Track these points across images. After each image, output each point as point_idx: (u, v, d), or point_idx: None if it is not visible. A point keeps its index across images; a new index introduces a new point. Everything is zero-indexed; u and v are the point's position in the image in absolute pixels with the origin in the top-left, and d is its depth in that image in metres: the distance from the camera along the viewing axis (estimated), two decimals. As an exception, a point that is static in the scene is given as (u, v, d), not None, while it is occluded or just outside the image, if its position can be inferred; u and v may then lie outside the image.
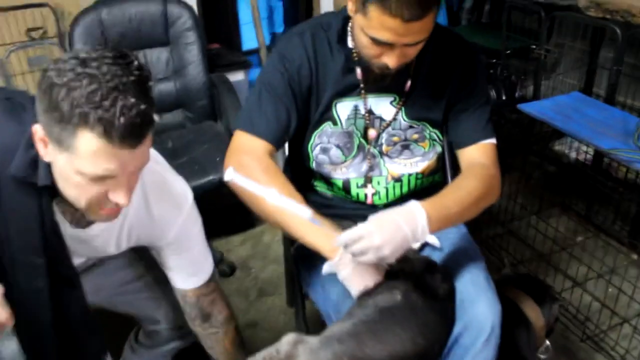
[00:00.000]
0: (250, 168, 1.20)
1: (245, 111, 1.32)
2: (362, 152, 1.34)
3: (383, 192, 1.37)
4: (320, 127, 1.32)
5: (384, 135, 1.33)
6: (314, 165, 1.37)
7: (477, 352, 1.16)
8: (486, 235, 2.36)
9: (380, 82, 1.25)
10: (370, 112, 1.31)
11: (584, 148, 2.43)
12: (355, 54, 1.26)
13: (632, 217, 2.28)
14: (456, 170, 1.46)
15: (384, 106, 1.31)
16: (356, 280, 1.16)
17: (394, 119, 1.32)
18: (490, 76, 2.77)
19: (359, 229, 1.08)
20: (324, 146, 1.34)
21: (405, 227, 1.09)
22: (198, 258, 1.24)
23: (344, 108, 1.30)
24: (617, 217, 2.36)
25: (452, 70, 1.30)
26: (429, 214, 1.11)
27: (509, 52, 2.76)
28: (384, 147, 1.34)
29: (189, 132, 2.44)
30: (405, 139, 1.33)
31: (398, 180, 1.36)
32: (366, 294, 1.16)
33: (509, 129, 2.85)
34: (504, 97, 2.70)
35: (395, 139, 1.33)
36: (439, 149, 1.37)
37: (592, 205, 2.44)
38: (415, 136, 1.33)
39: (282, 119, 1.27)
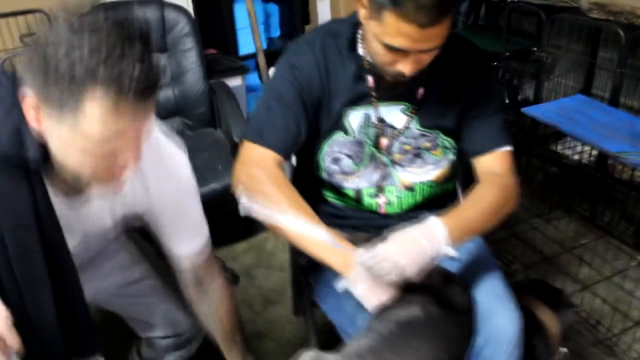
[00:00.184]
0: (260, 181, 1.18)
1: (253, 121, 1.29)
2: (373, 161, 1.32)
3: (395, 202, 1.35)
4: (331, 137, 1.30)
5: (396, 144, 1.31)
6: (325, 175, 1.35)
7: (499, 365, 1.15)
8: (490, 239, 2.34)
9: (392, 90, 1.23)
10: (381, 120, 1.29)
11: (587, 149, 2.43)
12: (366, 62, 1.23)
13: (638, 219, 2.27)
14: (467, 178, 1.45)
15: (395, 114, 1.29)
16: (372, 296, 1.13)
17: (406, 127, 1.29)
18: (492, 79, 2.76)
19: (381, 249, 1.06)
20: (335, 156, 1.31)
21: (427, 246, 1.07)
22: (194, 223, 1.20)
23: (355, 117, 1.28)
24: (621, 219, 2.35)
25: (465, 77, 1.28)
26: (449, 229, 1.10)
27: (507, 54, 2.75)
28: (396, 156, 1.32)
29: (188, 140, 2.37)
30: (418, 147, 1.31)
31: (410, 189, 1.34)
32: (384, 309, 1.14)
33: (511, 131, 2.84)
34: (507, 101, 2.69)
35: (407, 147, 1.31)
36: (451, 156, 1.35)
37: (596, 206, 2.43)
38: (428, 144, 1.31)
39: (291, 129, 1.25)
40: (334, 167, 1.32)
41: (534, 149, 2.64)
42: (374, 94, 1.26)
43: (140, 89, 0.78)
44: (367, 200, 1.35)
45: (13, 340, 0.85)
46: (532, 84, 2.79)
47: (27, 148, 0.86)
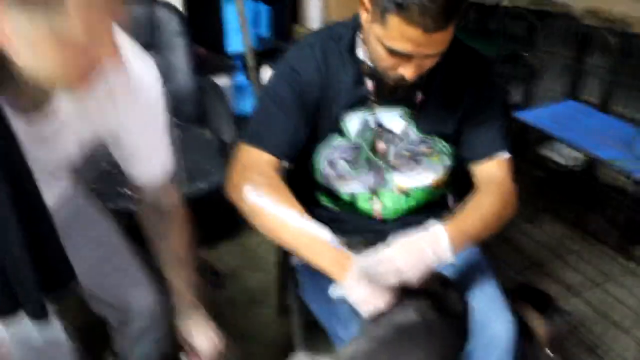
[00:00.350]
0: (258, 185, 1.16)
1: (252, 125, 1.27)
2: (370, 166, 1.31)
3: (391, 206, 1.34)
4: (329, 140, 1.28)
5: (393, 149, 1.30)
6: (320, 178, 1.33)
7: (494, 371, 1.14)
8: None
9: (391, 94, 1.22)
10: (380, 125, 1.28)
11: (574, 154, 2.44)
12: (366, 66, 1.22)
13: (623, 223, 2.29)
14: (459, 183, 1.45)
15: (394, 119, 1.28)
16: (368, 302, 1.12)
17: (405, 132, 1.28)
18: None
19: (381, 253, 1.06)
20: (331, 159, 1.30)
21: (429, 251, 1.07)
22: (159, 146, 1.16)
23: (353, 121, 1.27)
24: (607, 223, 2.36)
25: (465, 82, 1.27)
26: (451, 235, 1.09)
27: (498, 58, 2.76)
28: (393, 161, 1.31)
29: (176, 139, 2.37)
30: (415, 153, 1.30)
31: (406, 194, 1.33)
32: (380, 314, 1.13)
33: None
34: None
35: (405, 152, 1.30)
36: (449, 162, 1.34)
37: (583, 211, 2.45)
38: (426, 149, 1.30)
39: (290, 133, 1.23)
40: (330, 171, 1.31)
41: (523, 153, 2.65)
42: (373, 98, 1.25)
43: None
44: (363, 204, 1.34)
45: None
46: (520, 88, 2.80)
47: None
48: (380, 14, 1.04)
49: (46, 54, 0.79)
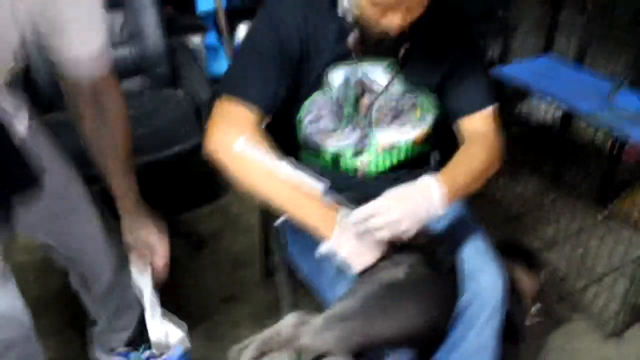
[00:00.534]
0: (236, 139, 1.13)
1: (230, 76, 1.23)
2: (353, 122, 1.29)
3: (374, 163, 1.33)
4: (311, 96, 1.25)
5: (377, 103, 1.28)
6: (302, 135, 1.31)
7: (484, 323, 1.16)
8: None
9: (375, 47, 1.19)
10: (363, 79, 1.25)
11: (551, 110, 2.45)
12: (349, 18, 1.19)
13: (601, 176, 2.32)
14: (443, 142, 1.44)
15: (378, 73, 1.25)
16: (357, 258, 1.12)
17: (389, 85, 1.26)
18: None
19: (376, 204, 1.05)
20: (314, 116, 1.27)
21: (422, 202, 1.07)
22: (94, 21, 1.11)
23: (336, 76, 1.24)
24: (585, 177, 2.39)
25: (449, 35, 1.26)
26: (444, 188, 1.09)
27: (473, 15, 2.73)
28: (376, 116, 1.29)
29: (149, 101, 2.31)
30: (398, 107, 1.28)
31: (389, 150, 1.32)
32: (369, 271, 1.12)
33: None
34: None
35: (389, 106, 1.28)
36: (432, 116, 1.33)
37: (560, 165, 2.47)
38: (409, 103, 1.28)
39: (271, 85, 1.19)
40: (313, 128, 1.29)
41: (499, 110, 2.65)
42: (356, 51, 1.22)
43: None
44: (346, 161, 1.32)
45: None
46: (495, 45, 2.79)
47: None
48: None
49: None
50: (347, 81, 1.24)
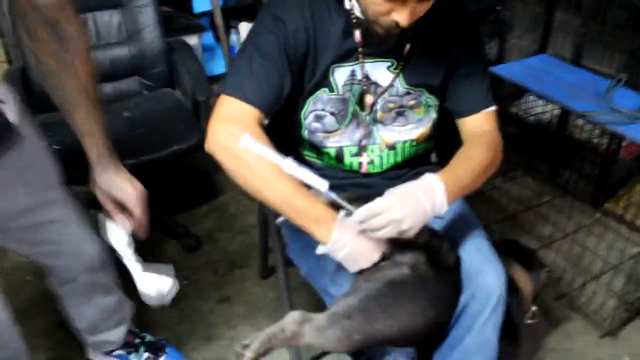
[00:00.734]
0: (238, 138, 1.13)
1: (233, 75, 1.23)
2: (356, 120, 1.29)
3: (377, 161, 1.33)
4: (316, 94, 1.26)
5: (380, 102, 1.28)
6: (306, 133, 1.31)
7: (485, 320, 1.16)
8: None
9: (380, 45, 1.19)
10: (367, 77, 1.25)
11: (547, 109, 2.46)
12: (354, 16, 1.19)
13: (595, 177, 2.34)
14: (444, 140, 1.45)
15: (381, 72, 1.26)
16: (356, 260, 1.12)
17: (391, 84, 1.27)
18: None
19: (378, 203, 1.05)
20: (318, 113, 1.27)
21: (425, 201, 1.07)
22: None
23: (341, 74, 1.24)
24: (580, 177, 2.41)
25: (452, 34, 1.26)
26: (446, 186, 1.09)
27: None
28: (379, 114, 1.29)
29: (146, 101, 2.31)
30: (401, 106, 1.29)
31: (392, 147, 1.33)
32: (371, 269, 1.12)
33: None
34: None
35: (391, 105, 1.29)
36: (434, 115, 1.34)
37: (556, 165, 2.48)
38: (412, 102, 1.29)
39: (274, 85, 1.19)
40: (317, 125, 1.29)
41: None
42: (361, 50, 1.22)
43: None
44: (349, 159, 1.33)
45: None
46: (492, 43, 2.80)
47: None
48: None
49: None
50: (351, 78, 1.25)
